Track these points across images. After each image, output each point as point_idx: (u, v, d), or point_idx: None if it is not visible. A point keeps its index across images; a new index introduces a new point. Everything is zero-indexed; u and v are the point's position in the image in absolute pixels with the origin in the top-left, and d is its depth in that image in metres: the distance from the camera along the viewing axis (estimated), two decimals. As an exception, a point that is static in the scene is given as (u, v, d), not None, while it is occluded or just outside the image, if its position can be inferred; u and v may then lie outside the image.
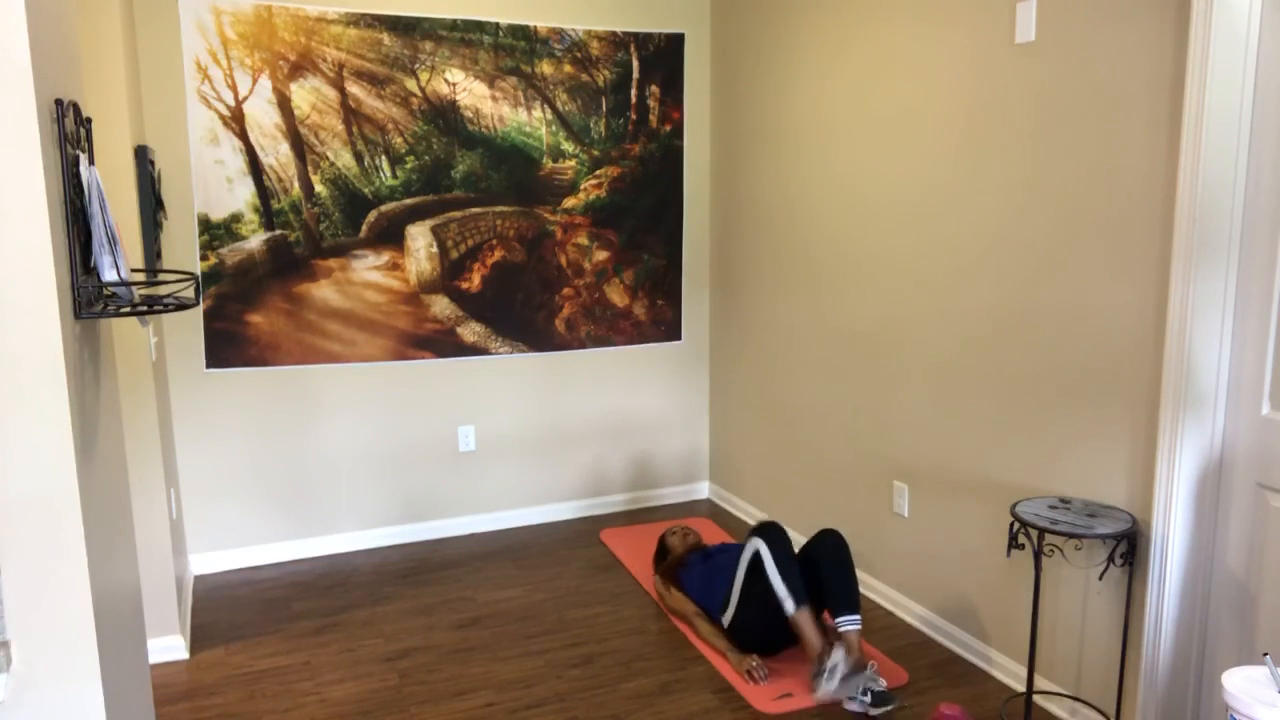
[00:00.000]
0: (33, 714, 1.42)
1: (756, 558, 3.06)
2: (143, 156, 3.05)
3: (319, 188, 3.97)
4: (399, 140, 4.07)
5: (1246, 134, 2.29)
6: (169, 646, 3.20)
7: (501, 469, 4.48)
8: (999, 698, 2.94)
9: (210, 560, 3.99)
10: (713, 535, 4.36)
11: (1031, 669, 2.63)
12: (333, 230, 4.02)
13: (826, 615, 3.10)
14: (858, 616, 2.96)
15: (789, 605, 2.96)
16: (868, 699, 2.79)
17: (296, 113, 3.89)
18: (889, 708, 2.77)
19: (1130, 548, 2.52)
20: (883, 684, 2.83)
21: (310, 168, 3.95)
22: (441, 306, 4.24)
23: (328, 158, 3.97)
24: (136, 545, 2.91)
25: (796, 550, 3.26)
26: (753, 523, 4.49)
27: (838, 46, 3.63)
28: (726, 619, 3.22)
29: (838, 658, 2.81)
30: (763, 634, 3.13)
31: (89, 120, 1.76)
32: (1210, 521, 2.46)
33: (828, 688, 2.81)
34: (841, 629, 2.95)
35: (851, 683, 2.81)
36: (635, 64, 4.45)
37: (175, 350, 3.83)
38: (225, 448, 3.97)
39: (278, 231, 3.93)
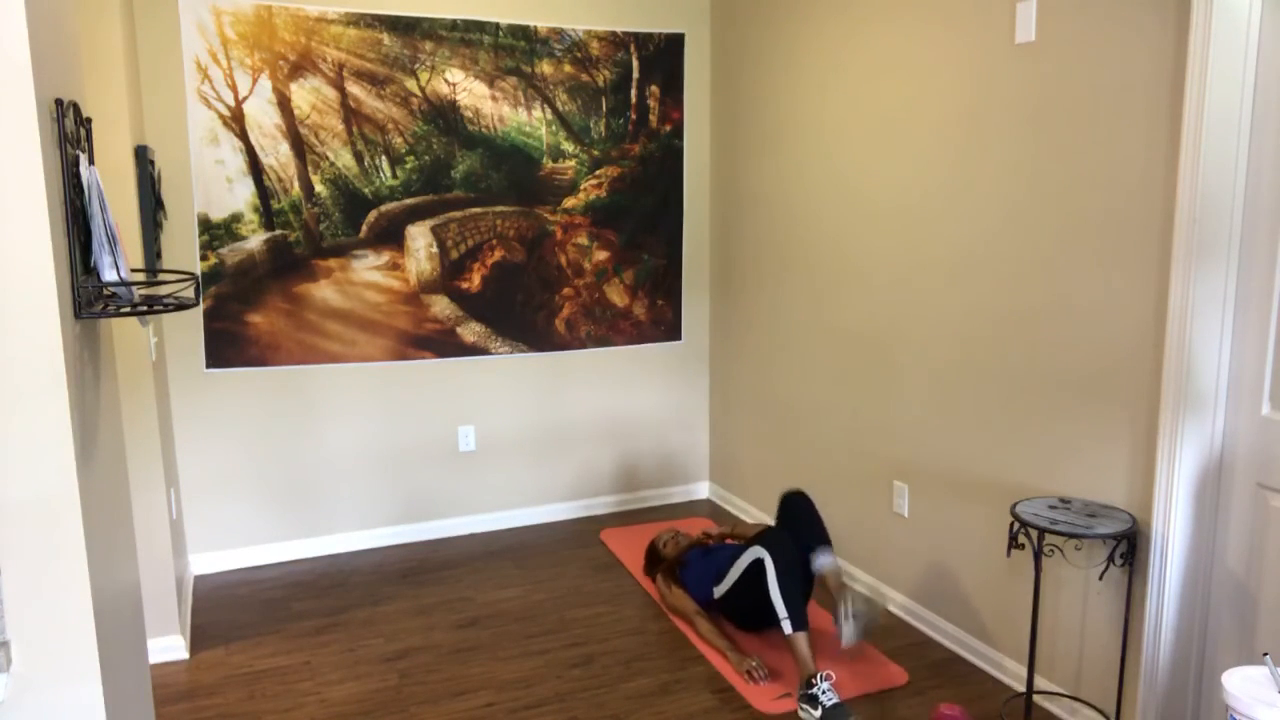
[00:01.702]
0: (33, 714, 1.42)
1: (759, 565, 3.07)
2: (143, 156, 3.05)
3: (319, 188, 3.97)
4: (399, 140, 4.07)
5: (1246, 134, 2.29)
6: (169, 646, 3.20)
7: (501, 469, 4.48)
8: (999, 698, 2.94)
9: (210, 560, 3.99)
10: (713, 535, 4.36)
11: (1031, 669, 2.63)
12: (333, 230, 4.02)
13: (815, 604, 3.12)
14: (830, 548, 3.29)
15: (787, 626, 2.96)
16: (850, 627, 2.97)
17: (296, 113, 3.89)
18: (861, 630, 2.97)
19: (1130, 548, 2.52)
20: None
21: (310, 168, 3.95)
22: (441, 306, 4.24)
23: (328, 158, 3.97)
24: (136, 545, 2.91)
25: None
26: (752, 522, 4.49)
27: (838, 46, 3.63)
28: (719, 592, 3.28)
29: (826, 688, 2.79)
30: (752, 614, 3.20)
31: (89, 120, 1.76)
32: (1210, 521, 2.46)
33: (811, 716, 2.79)
34: (817, 563, 3.24)
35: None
36: (635, 64, 4.45)
37: (175, 350, 3.83)
38: (225, 448, 3.97)
39: (278, 231, 3.93)
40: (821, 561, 3.25)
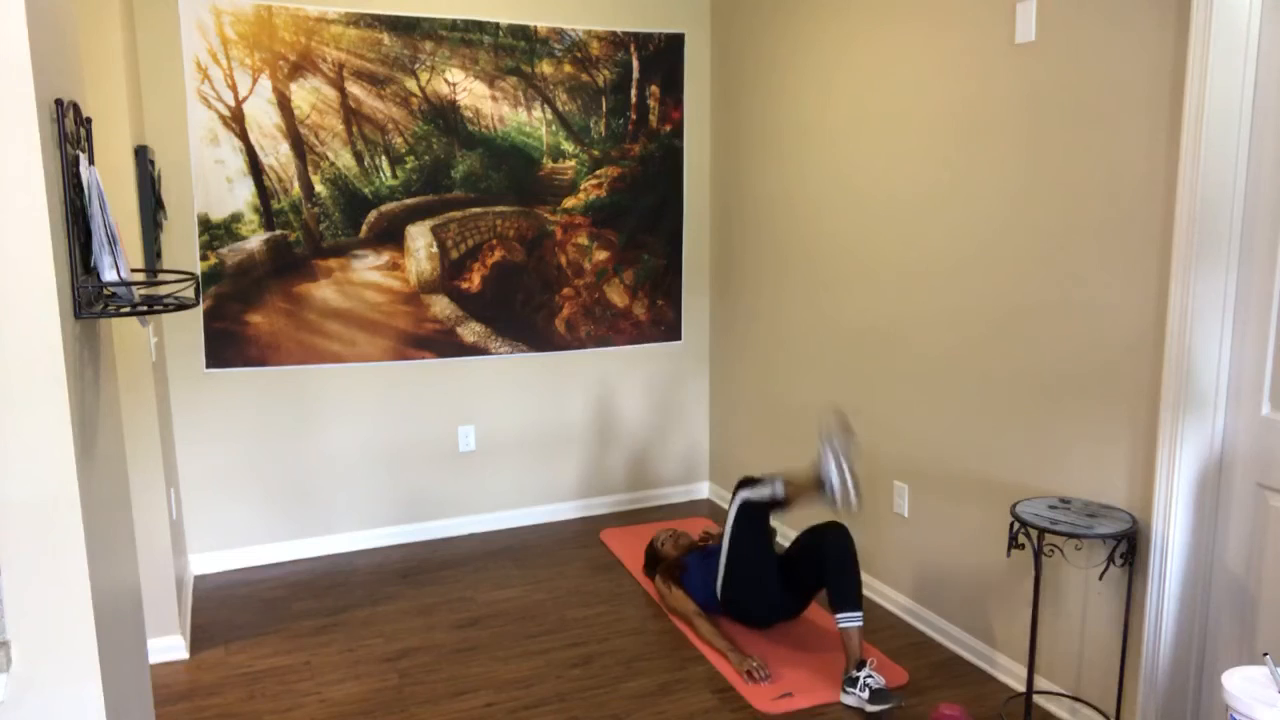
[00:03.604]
0: (33, 714, 1.42)
1: (744, 505, 3.20)
2: (143, 156, 3.05)
3: (319, 188, 3.97)
4: (399, 140, 4.07)
5: (1246, 134, 2.29)
6: (169, 646, 3.20)
7: (501, 469, 4.48)
8: (999, 698, 2.94)
9: (210, 560, 3.99)
10: (713, 535, 4.36)
11: (1031, 669, 2.63)
12: (333, 230, 4.02)
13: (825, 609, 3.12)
14: (859, 614, 2.96)
15: (777, 488, 3.07)
16: (865, 695, 2.79)
17: (296, 113, 3.89)
18: (887, 706, 2.77)
19: (1130, 548, 2.52)
20: (881, 680, 2.83)
21: (310, 168, 3.95)
22: (441, 306, 4.24)
23: (328, 158, 3.97)
24: (136, 545, 2.91)
25: (799, 533, 3.30)
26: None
27: (838, 46, 3.63)
28: (719, 588, 3.28)
29: (831, 457, 2.88)
30: (755, 603, 3.16)
31: (89, 120, 1.76)
32: (1210, 521, 2.46)
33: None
34: (842, 625, 2.96)
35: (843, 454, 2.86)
36: (635, 64, 4.45)
37: (175, 350, 3.83)
38: (225, 448, 3.97)
39: (278, 231, 3.93)
40: (848, 625, 2.96)
